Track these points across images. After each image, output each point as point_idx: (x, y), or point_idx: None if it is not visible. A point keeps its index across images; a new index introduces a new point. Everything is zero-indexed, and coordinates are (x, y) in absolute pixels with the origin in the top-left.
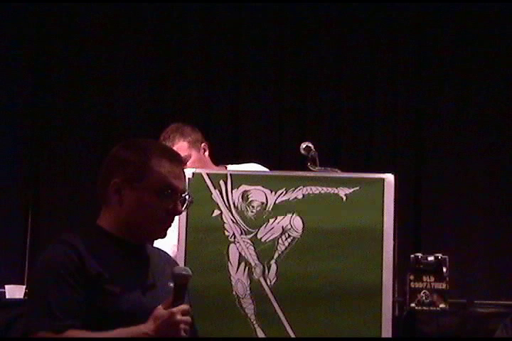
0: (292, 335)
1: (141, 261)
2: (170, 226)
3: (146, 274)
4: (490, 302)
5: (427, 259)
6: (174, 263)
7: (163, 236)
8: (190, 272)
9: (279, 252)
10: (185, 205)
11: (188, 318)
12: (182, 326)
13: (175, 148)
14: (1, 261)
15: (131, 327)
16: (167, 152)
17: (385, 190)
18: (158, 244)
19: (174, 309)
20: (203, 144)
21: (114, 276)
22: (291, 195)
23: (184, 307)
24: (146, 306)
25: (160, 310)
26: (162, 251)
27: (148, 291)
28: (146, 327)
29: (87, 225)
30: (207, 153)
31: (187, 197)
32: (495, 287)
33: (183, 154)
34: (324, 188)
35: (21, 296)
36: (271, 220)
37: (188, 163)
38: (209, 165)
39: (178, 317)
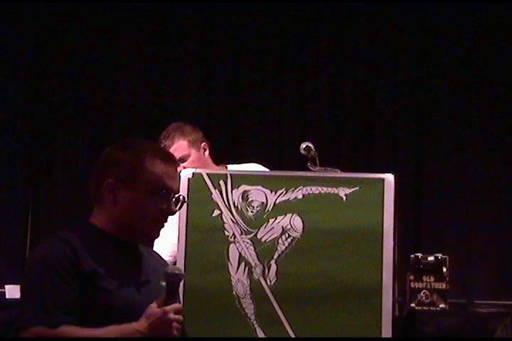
0: (292, 335)
1: (134, 259)
2: (163, 226)
3: (140, 271)
4: (490, 302)
5: (427, 259)
6: (165, 263)
7: (157, 236)
8: (182, 271)
9: (279, 252)
10: (179, 205)
11: (180, 317)
12: (174, 324)
13: (175, 146)
14: (1, 261)
15: (124, 324)
16: (161, 152)
17: (385, 190)
18: (158, 243)
19: (167, 307)
20: (203, 144)
21: (108, 273)
22: (291, 195)
23: (177, 305)
24: (139, 303)
25: (153, 308)
26: (153, 250)
27: (142, 288)
28: (139, 325)
29: (80, 223)
30: (207, 153)
31: (181, 197)
32: (495, 287)
33: (182, 153)
34: (324, 188)
35: None
36: (271, 220)
37: (187, 163)
38: (209, 165)
39: (171, 315)
